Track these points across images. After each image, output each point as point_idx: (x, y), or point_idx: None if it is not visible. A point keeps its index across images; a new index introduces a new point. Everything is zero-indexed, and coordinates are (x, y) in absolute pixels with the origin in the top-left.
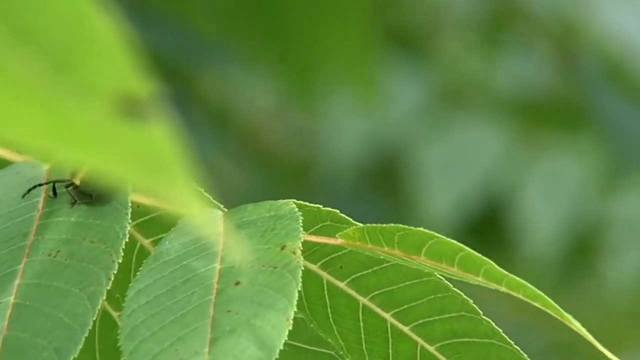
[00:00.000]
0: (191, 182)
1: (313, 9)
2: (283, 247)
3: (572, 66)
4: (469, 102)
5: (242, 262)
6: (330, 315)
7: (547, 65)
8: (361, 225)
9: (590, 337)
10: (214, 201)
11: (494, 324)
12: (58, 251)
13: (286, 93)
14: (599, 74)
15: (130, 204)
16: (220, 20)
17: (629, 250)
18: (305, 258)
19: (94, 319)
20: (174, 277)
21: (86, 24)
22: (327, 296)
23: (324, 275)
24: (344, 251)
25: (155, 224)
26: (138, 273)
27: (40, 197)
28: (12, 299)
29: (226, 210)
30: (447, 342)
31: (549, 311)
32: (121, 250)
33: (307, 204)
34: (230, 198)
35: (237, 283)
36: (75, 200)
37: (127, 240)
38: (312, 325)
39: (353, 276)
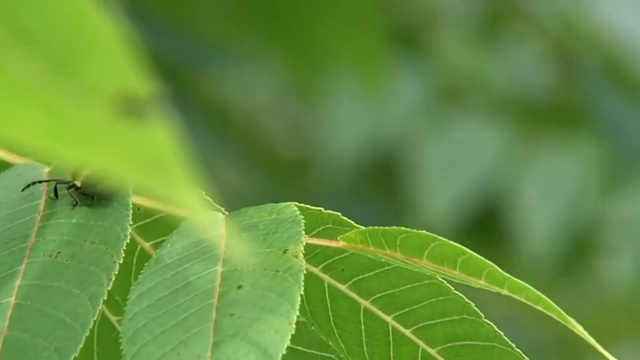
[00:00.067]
0: (192, 182)
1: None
2: (285, 251)
3: (572, 65)
4: (468, 102)
5: (245, 266)
6: (331, 318)
7: (546, 64)
8: (363, 228)
9: (592, 340)
10: (215, 204)
11: (495, 327)
12: (59, 252)
13: (289, 86)
14: (598, 72)
15: (131, 206)
16: (224, 15)
17: (626, 250)
18: (307, 261)
19: (95, 319)
20: (175, 280)
21: (86, 24)
22: (328, 299)
23: (326, 278)
24: (345, 254)
25: (156, 227)
26: (140, 276)
27: (41, 199)
28: (12, 299)
29: (226, 212)
30: (449, 345)
31: (551, 315)
32: (122, 252)
33: (309, 206)
34: (229, 198)
35: (239, 287)
36: (77, 202)
37: (128, 241)
38: (313, 328)
39: (354, 279)
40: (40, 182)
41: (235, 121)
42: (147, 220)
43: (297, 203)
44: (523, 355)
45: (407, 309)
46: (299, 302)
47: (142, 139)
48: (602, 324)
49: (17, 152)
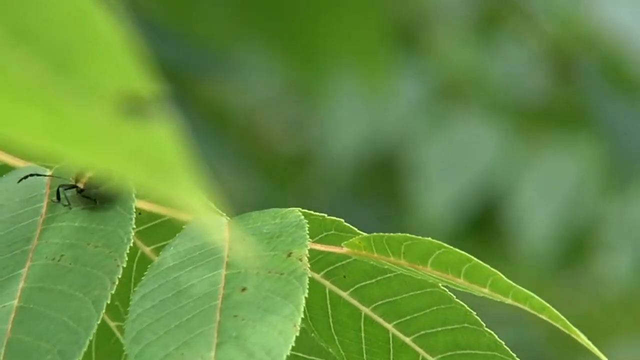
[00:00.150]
0: (194, 182)
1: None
2: (289, 254)
3: (571, 65)
4: (468, 101)
5: (248, 268)
6: (331, 325)
7: (545, 63)
8: (366, 234)
9: (594, 349)
10: (216, 208)
11: (496, 336)
12: (62, 255)
13: (289, 85)
14: (597, 72)
15: (134, 210)
16: (224, 14)
17: (624, 249)
18: (309, 267)
19: (98, 322)
20: (179, 282)
21: (87, 24)
22: (329, 305)
23: (327, 284)
24: (347, 260)
25: (157, 232)
26: (143, 278)
27: (44, 202)
28: (15, 302)
29: (227, 212)
30: (449, 353)
31: (556, 324)
32: (125, 255)
33: (312, 212)
34: (229, 198)
35: (244, 289)
36: (69, 204)
37: (131, 245)
38: (313, 334)
39: (356, 286)
40: (38, 175)
41: (235, 121)
42: (148, 225)
43: (300, 208)
44: None
45: (408, 317)
46: (304, 305)
47: (144, 138)
48: (600, 319)
49: (19, 155)
